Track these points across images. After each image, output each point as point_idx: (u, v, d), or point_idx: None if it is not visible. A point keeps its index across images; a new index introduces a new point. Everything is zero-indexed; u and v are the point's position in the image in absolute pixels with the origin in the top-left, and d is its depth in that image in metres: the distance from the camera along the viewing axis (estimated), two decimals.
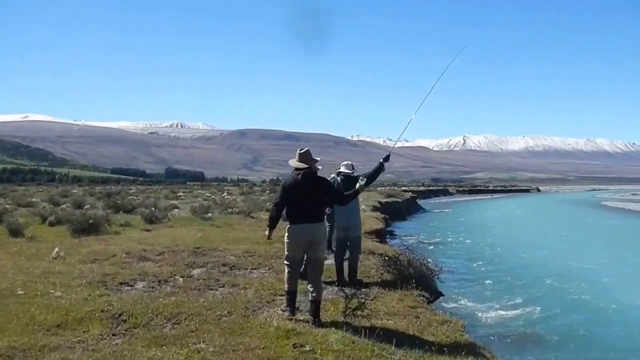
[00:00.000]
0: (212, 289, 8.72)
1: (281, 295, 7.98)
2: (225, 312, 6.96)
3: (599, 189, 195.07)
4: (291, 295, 6.84)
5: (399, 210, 40.99)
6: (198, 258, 11.73)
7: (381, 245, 15.11)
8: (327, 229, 8.52)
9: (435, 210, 54.86)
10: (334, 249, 13.55)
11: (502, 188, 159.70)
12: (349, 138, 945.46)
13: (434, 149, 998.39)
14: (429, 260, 9.69)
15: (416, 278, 8.73)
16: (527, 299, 12.50)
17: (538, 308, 11.69)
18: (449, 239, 24.88)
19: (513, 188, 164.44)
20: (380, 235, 19.64)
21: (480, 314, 10.86)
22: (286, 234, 6.77)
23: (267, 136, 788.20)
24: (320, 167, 6.97)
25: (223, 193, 54.27)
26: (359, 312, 6.27)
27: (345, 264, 9.35)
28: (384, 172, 8.78)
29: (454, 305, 10.97)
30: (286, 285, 6.85)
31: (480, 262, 18.04)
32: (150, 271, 10.04)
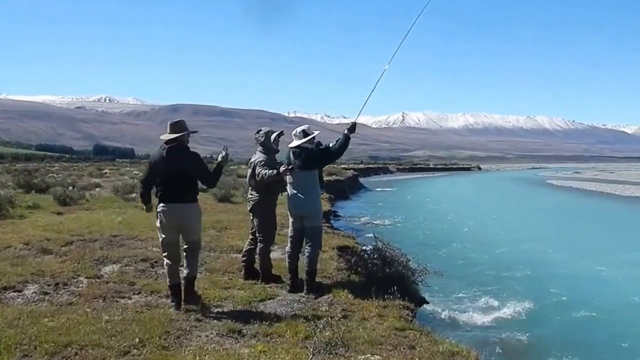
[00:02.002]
0: (124, 297, 6.62)
1: (216, 307, 6.20)
2: (137, 340, 4.87)
3: (540, 167, 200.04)
4: (174, 290, 6.09)
5: (341, 189, 39.40)
6: (112, 250, 9.58)
7: (341, 235, 13.10)
8: None
9: (378, 189, 53.60)
10: None
11: (443, 166, 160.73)
12: (286, 114, 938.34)
13: (373, 125, 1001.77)
14: (408, 257, 7.64)
15: (395, 282, 6.77)
16: (508, 294, 10.90)
17: (524, 306, 10.14)
18: (399, 221, 23.21)
19: (454, 166, 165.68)
20: (327, 217, 17.78)
21: (467, 321, 9.01)
22: (156, 215, 6.16)
23: (201, 112, 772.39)
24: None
25: None
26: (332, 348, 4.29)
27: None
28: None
29: (438, 313, 9.07)
30: (168, 279, 6.15)
31: (443, 250, 16.23)
32: (48, 269, 7.87)
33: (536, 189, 55.75)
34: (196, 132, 6.51)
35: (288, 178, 6.94)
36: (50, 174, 43.06)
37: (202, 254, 9.25)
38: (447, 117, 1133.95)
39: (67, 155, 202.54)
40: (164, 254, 6.17)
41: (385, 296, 6.32)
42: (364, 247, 7.91)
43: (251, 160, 7.44)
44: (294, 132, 7.14)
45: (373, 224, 21.54)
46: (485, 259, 14.93)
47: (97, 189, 25.90)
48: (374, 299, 6.39)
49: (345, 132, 6.97)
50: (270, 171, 6.86)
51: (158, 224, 6.14)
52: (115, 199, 19.85)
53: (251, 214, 7.54)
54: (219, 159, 6.38)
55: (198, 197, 6.30)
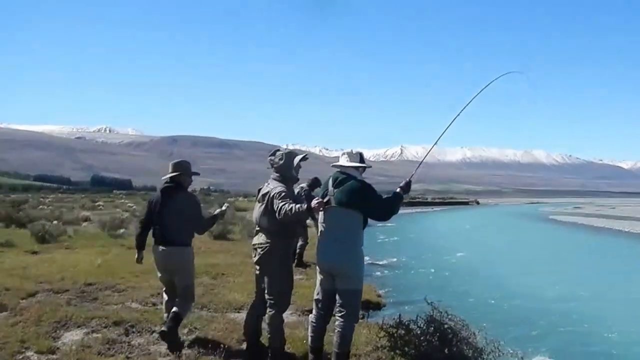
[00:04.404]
0: None
1: None
2: None
3: (538, 202, 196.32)
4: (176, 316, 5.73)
5: None
6: (82, 306, 7.75)
7: (370, 288, 10.92)
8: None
9: (379, 224, 51.53)
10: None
11: (441, 200, 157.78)
12: (284, 147, 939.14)
13: (371, 159, 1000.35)
14: (474, 330, 5.46)
15: None
16: None
17: None
18: (404, 260, 20.98)
19: (452, 201, 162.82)
20: None
21: None
22: None
23: (200, 143, 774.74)
24: None
25: None
26: None
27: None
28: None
29: None
30: (165, 314, 5.99)
31: (466, 298, 13.70)
32: None
33: (543, 225, 53.33)
34: (198, 174, 6.26)
35: (320, 216, 5.02)
36: (41, 206, 41.35)
37: (194, 314, 7.41)
38: (445, 150, 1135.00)
39: (64, 186, 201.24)
40: (163, 289, 6.10)
41: None
42: (413, 317, 5.57)
43: (263, 192, 5.37)
44: (346, 150, 5.16)
45: (377, 264, 19.33)
46: (530, 315, 12.24)
47: (85, 223, 24.11)
48: None
49: (398, 190, 5.14)
50: (298, 206, 4.89)
51: (155, 264, 5.94)
52: (101, 235, 18.02)
53: (257, 267, 5.43)
54: (217, 211, 6.22)
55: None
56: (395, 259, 20.87)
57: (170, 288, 5.91)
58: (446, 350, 4.98)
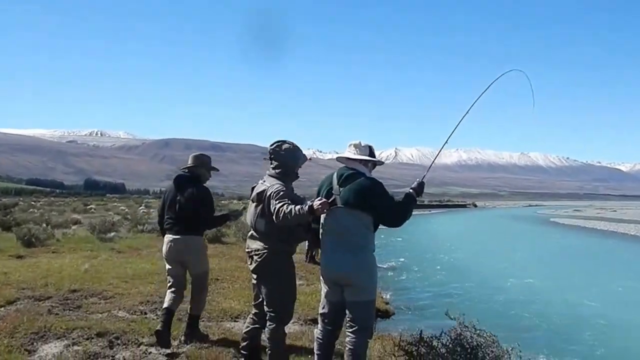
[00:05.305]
0: None
1: None
2: None
3: (536, 205, 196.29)
4: (168, 314, 5.58)
5: None
6: (63, 315, 7.09)
7: (377, 293, 10.23)
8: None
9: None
10: None
11: (438, 203, 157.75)
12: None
13: None
14: (506, 348, 4.67)
15: None
16: None
17: None
18: (407, 262, 20.32)
19: (449, 203, 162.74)
20: None
21: None
22: None
23: (192, 146, 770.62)
24: None
25: (140, 206, 48.58)
26: None
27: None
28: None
29: None
30: (166, 302, 5.68)
31: (478, 306, 12.80)
32: None
33: (545, 228, 52.62)
34: (217, 169, 6.25)
35: (323, 218, 4.31)
36: (31, 209, 40.68)
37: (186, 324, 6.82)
38: (440, 152, 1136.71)
39: (57, 190, 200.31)
40: (168, 283, 5.81)
41: None
42: (434, 332, 4.80)
43: (258, 190, 4.59)
44: (354, 142, 4.36)
45: (390, 267, 18.63)
46: (516, 307, 11.68)
47: (75, 227, 23.39)
48: None
49: (410, 191, 4.37)
50: (298, 207, 4.11)
51: (163, 254, 5.81)
52: (90, 238, 17.31)
53: (255, 276, 4.67)
54: (230, 211, 6.23)
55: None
56: (398, 261, 20.21)
57: (177, 282, 5.72)
58: None
